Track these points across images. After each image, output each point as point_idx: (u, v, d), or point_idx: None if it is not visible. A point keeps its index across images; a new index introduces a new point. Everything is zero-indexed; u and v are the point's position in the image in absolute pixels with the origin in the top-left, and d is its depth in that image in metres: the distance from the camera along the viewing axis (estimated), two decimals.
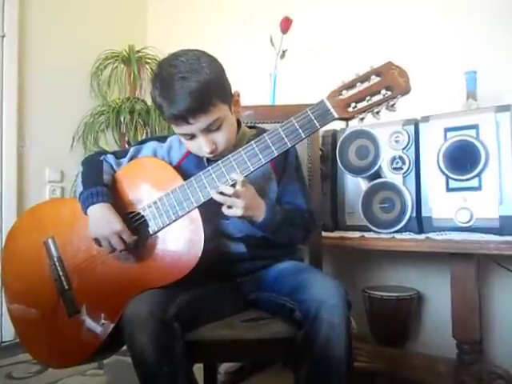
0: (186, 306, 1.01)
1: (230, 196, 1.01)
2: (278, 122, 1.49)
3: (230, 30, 2.47)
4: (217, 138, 1.06)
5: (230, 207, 1.02)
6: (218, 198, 1.01)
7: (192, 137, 1.06)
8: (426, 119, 1.53)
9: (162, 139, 1.21)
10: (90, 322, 1.09)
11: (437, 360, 1.57)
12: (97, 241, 1.08)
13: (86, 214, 1.10)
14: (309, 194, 1.26)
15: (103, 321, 1.07)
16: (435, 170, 1.46)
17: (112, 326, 1.04)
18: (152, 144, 1.20)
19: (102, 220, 1.06)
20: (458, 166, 1.41)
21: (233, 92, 1.11)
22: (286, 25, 1.97)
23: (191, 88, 0.99)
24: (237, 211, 1.02)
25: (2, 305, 2.03)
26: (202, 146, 1.06)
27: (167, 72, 1.02)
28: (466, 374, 1.42)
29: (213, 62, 1.06)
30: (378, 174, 1.60)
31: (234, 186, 1.02)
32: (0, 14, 2.16)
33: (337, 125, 1.72)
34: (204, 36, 2.47)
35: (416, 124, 1.55)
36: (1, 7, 2.16)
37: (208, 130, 1.04)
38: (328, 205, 1.75)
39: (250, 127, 1.25)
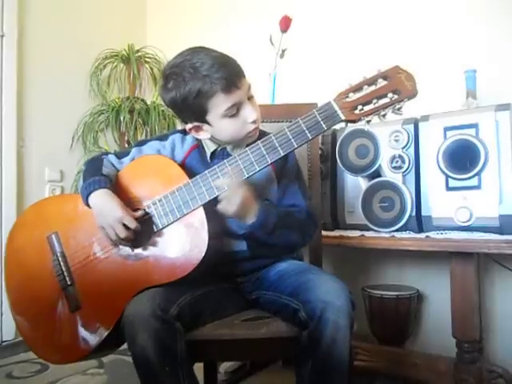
0: (188, 305, 1.01)
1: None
2: (278, 122, 1.48)
3: (230, 29, 2.46)
4: (256, 106, 1.10)
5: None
6: (218, 183, 1.02)
7: (237, 111, 1.06)
8: (425, 118, 1.53)
9: (164, 138, 1.19)
10: (91, 319, 1.08)
11: (437, 359, 1.57)
12: (103, 229, 1.07)
13: (87, 204, 1.09)
14: (309, 194, 1.24)
15: (105, 318, 1.06)
16: (435, 169, 1.46)
17: (113, 323, 1.04)
18: (154, 144, 1.19)
19: (104, 208, 1.05)
20: (458, 165, 1.41)
21: None
22: (285, 24, 1.97)
23: (225, 58, 1.05)
24: (229, 207, 1.02)
25: (2, 304, 2.03)
26: (248, 116, 1.07)
27: (192, 63, 1.03)
28: (466, 372, 1.42)
29: None
30: (377, 173, 1.60)
31: None
32: None
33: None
34: (203, 35, 2.46)
35: (416, 123, 1.55)
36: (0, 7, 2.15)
37: (249, 96, 1.08)
38: (328, 204, 1.75)
39: None
